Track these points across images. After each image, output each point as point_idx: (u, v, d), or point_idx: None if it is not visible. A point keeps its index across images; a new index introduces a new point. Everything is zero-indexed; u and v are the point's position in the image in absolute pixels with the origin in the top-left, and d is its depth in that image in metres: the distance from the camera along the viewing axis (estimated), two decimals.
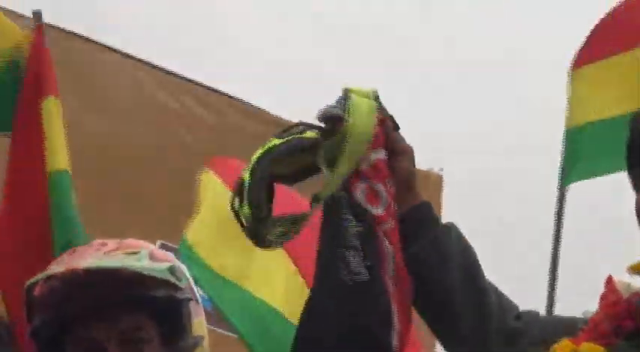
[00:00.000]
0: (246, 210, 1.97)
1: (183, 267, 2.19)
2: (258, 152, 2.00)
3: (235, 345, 3.92)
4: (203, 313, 2.22)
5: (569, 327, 1.88)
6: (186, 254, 3.81)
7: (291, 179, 2.08)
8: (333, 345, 1.99)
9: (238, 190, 2.00)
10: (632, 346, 1.73)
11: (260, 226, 1.98)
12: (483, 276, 2.14)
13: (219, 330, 4.01)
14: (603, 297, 1.81)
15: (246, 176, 1.99)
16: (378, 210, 2.03)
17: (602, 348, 1.72)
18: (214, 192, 3.91)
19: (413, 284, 2.04)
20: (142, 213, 5.44)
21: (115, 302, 2.07)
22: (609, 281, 1.82)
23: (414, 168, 2.15)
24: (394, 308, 2.00)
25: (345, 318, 1.99)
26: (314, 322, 2.03)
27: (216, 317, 3.61)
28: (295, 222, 2.01)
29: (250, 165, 2.00)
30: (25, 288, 2.10)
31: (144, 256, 2.11)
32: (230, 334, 3.93)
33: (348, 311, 1.99)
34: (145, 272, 2.06)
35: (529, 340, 2.04)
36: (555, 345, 1.78)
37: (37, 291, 2.08)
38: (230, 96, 6.02)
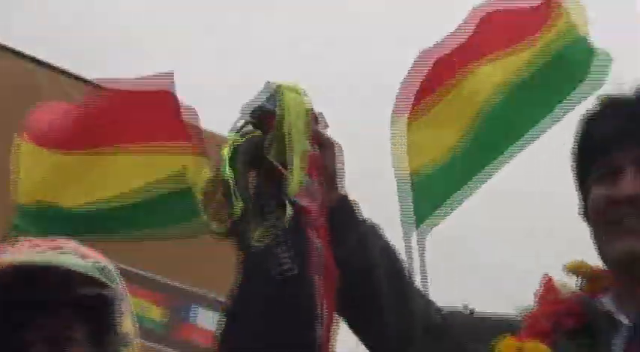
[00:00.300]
0: (240, 205, 1.97)
1: (112, 266, 2.15)
2: (226, 150, 2.01)
3: None
4: (133, 312, 2.18)
5: (499, 326, 1.89)
6: (35, 213, 3.71)
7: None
8: (259, 340, 1.99)
9: (218, 186, 2.00)
10: (573, 344, 1.77)
11: (246, 225, 1.98)
12: (406, 273, 2.16)
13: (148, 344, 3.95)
14: (541, 296, 1.85)
15: (227, 172, 1.99)
16: (306, 204, 2.04)
17: (546, 347, 1.75)
18: (23, 151, 3.85)
19: (338, 281, 2.04)
20: None
21: (45, 300, 2.01)
22: (549, 280, 1.85)
23: (339, 164, 2.15)
24: (321, 301, 2.01)
25: (272, 314, 1.99)
26: (241, 318, 2.03)
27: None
28: (275, 226, 2.01)
29: (226, 161, 2.00)
30: None
31: (73, 253, 2.07)
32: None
33: (275, 306, 1.99)
34: (76, 269, 2.02)
35: (452, 335, 2.07)
36: (499, 344, 1.79)
37: None
38: None
